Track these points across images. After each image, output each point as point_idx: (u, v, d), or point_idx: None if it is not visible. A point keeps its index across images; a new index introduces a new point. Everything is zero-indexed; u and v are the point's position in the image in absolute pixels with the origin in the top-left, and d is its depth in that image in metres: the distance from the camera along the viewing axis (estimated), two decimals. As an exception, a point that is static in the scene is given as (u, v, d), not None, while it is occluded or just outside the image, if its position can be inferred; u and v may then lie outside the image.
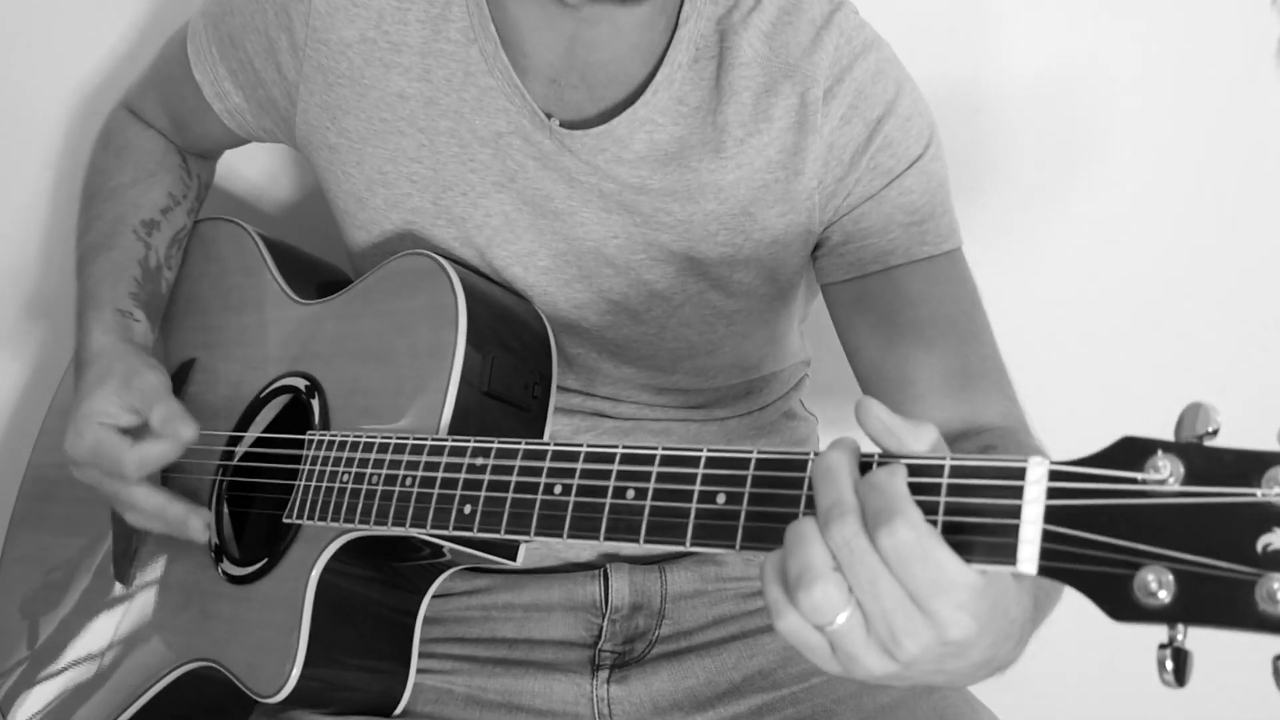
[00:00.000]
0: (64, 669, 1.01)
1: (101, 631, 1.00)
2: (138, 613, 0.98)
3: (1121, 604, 0.52)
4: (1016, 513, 0.55)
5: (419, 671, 0.92)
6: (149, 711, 0.94)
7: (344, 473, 0.85)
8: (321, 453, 0.87)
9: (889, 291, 0.91)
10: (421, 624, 0.92)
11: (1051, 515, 0.54)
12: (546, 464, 0.73)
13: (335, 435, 0.87)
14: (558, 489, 0.72)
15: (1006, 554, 0.55)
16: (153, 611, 0.97)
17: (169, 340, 1.06)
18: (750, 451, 0.64)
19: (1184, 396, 0.55)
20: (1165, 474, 0.52)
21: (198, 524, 0.91)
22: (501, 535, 0.74)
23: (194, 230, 1.10)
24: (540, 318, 0.94)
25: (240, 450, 0.97)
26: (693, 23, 0.90)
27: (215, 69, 1.02)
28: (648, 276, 0.93)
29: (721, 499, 0.64)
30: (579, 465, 0.71)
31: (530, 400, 0.89)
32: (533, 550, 0.93)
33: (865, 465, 0.59)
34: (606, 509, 0.69)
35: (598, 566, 0.97)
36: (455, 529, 0.77)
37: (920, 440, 0.59)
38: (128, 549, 1.00)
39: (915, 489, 0.57)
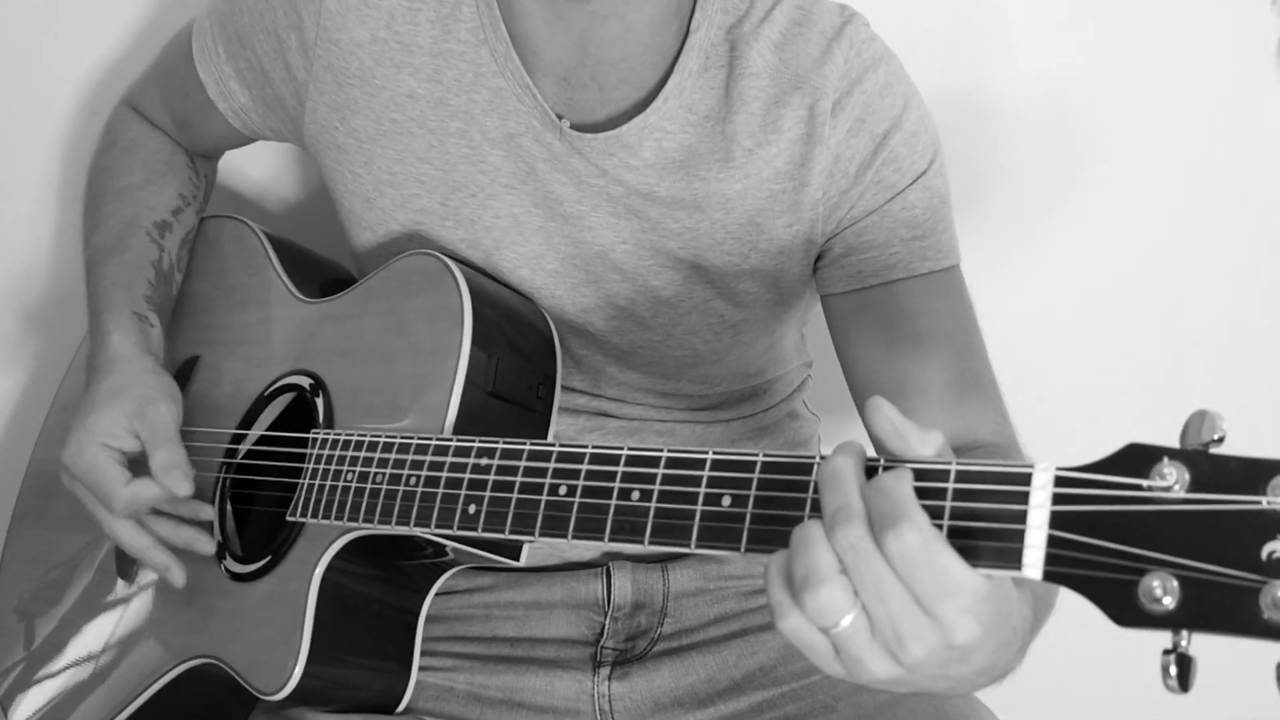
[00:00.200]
0: (65, 665, 1.01)
1: (103, 628, 1.00)
2: (140, 610, 0.98)
3: (1126, 610, 0.52)
4: (1022, 518, 0.55)
5: (420, 669, 0.93)
6: (150, 709, 0.94)
7: (348, 471, 0.85)
8: (326, 451, 0.87)
9: (888, 304, 0.92)
10: (424, 622, 0.93)
11: (1057, 521, 0.55)
12: (552, 465, 0.73)
13: (340, 434, 0.87)
14: (563, 490, 0.72)
15: (1012, 559, 0.55)
16: (155, 608, 0.97)
17: (174, 337, 1.06)
18: (756, 454, 0.64)
19: (1189, 404, 0.55)
20: (1171, 481, 0.52)
21: (179, 576, 0.92)
22: (506, 535, 0.74)
23: (200, 228, 1.10)
24: (545, 319, 0.94)
25: (244, 448, 0.97)
26: (703, 31, 0.91)
27: (220, 68, 1.02)
28: (655, 283, 0.94)
29: (727, 501, 0.65)
30: (584, 466, 0.71)
31: (535, 401, 0.89)
32: (535, 549, 0.94)
33: (871, 470, 0.60)
34: (611, 510, 0.69)
35: (600, 565, 0.98)
36: (459, 529, 0.77)
37: (927, 445, 0.59)
38: (130, 546, 1.00)
39: (921, 493, 0.57)
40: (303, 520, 0.87)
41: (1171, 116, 1.22)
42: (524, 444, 0.75)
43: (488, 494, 0.76)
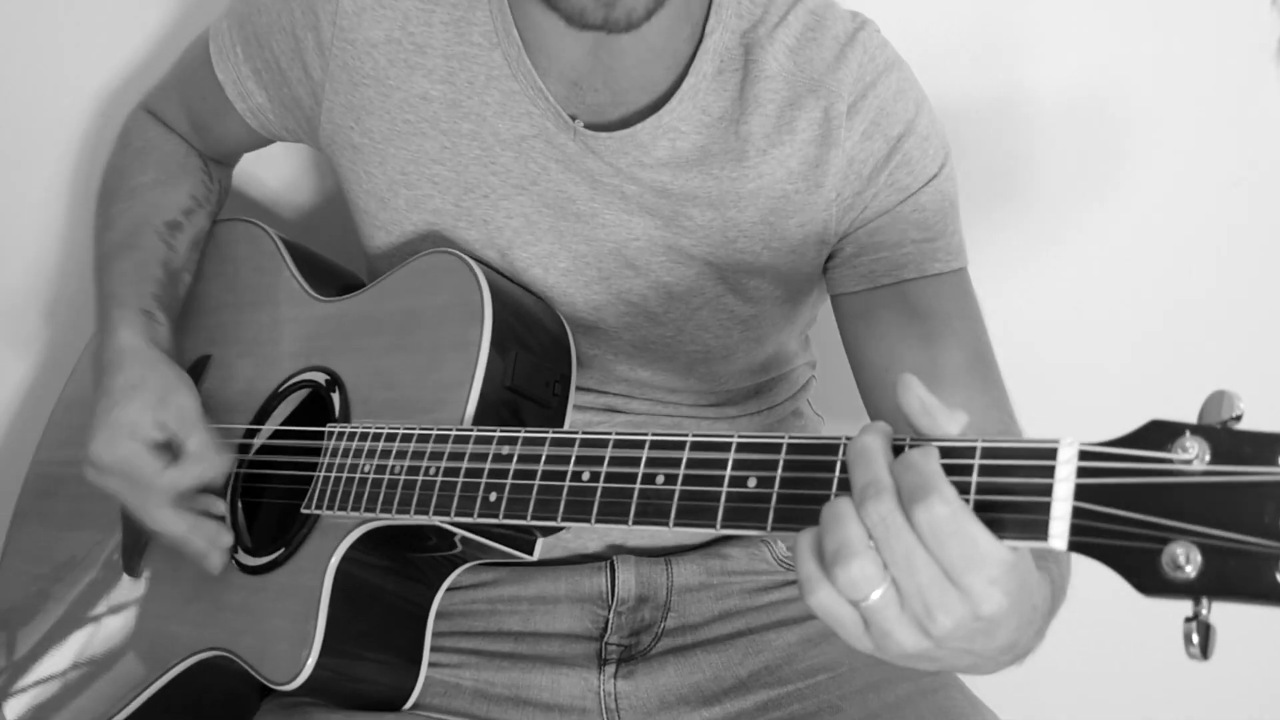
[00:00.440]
0: (68, 660, 1.01)
1: (111, 623, 1.00)
2: (147, 604, 0.98)
3: (1150, 578, 0.54)
4: (1048, 490, 0.57)
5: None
6: (159, 701, 0.94)
7: (365, 463, 0.85)
8: (343, 444, 0.88)
9: (899, 303, 0.94)
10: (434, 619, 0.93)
11: (1082, 493, 0.56)
12: (575, 451, 0.74)
13: (357, 427, 0.88)
14: (585, 475, 0.73)
15: (1038, 530, 0.57)
16: (163, 603, 0.97)
17: (185, 336, 1.06)
18: (782, 437, 0.66)
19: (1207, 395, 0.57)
20: (1192, 455, 0.54)
21: (217, 560, 0.92)
22: (528, 521, 0.75)
23: (212, 230, 1.11)
24: (560, 320, 0.96)
25: (257, 443, 0.97)
26: (718, 35, 0.93)
27: (239, 69, 1.03)
28: (667, 279, 0.95)
29: (753, 482, 0.66)
30: (608, 452, 0.72)
31: (551, 398, 0.91)
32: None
33: (897, 449, 0.61)
34: (636, 494, 0.70)
35: (604, 558, 0.98)
36: (480, 516, 0.77)
37: (954, 424, 0.61)
38: (138, 541, 1.01)
39: (948, 469, 0.58)
40: (318, 512, 0.87)
41: (1179, 117, 1.23)
42: (546, 432, 0.76)
43: (509, 481, 0.77)
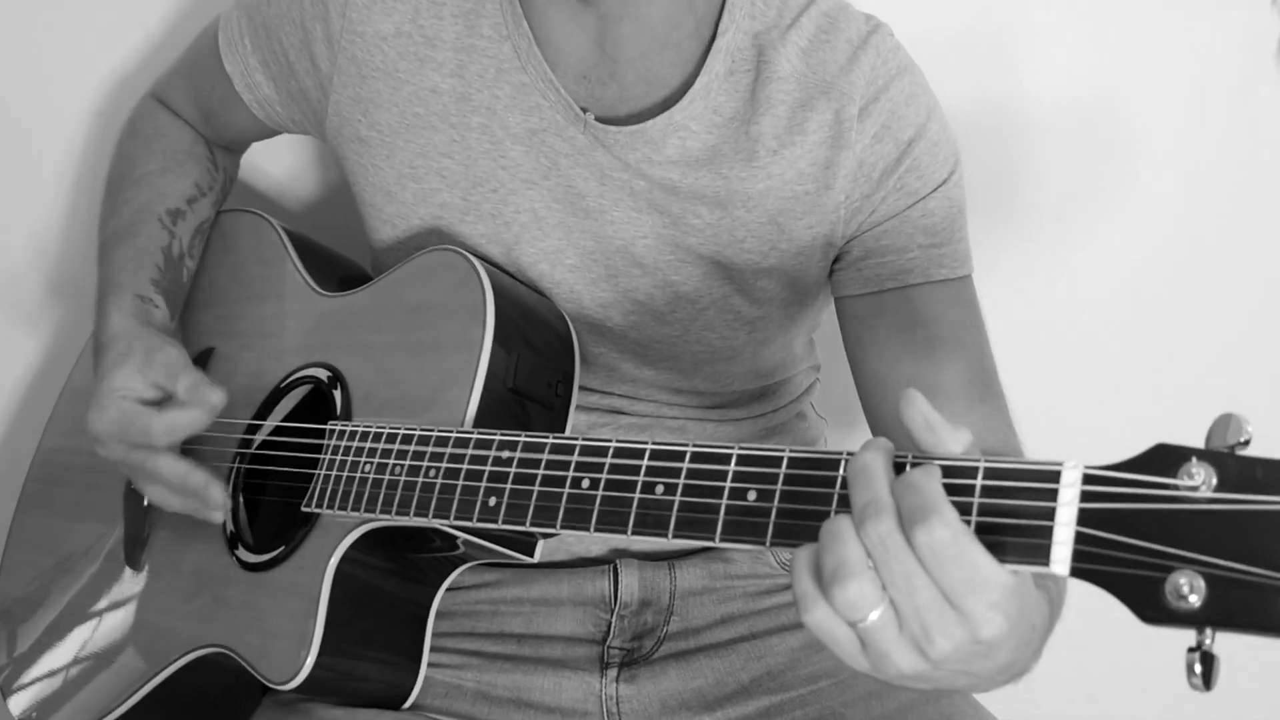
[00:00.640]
0: (70, 653, 1.01)
1: (111, 616, 1.00)
2: (148, 598, 0.98)
3: (1152, 607, 0.53)
4: (1050, 514, 0.56)
5: (429, 666, 0.93)
6: (157, 696, 0.94)
7: (366, 463, 0.85)
8: (343, 443, 0.87)
9: (904, 308, 0.93)
10: (434, 618, 0.93)
11: (1085, 518, 0.55)
12: (575, 458, 0.73)
13: (358, 426, 0.87)
14: (585, 483, 0.73)
15: (1040, 555, 0.56)
16: (164, 597, 0.97)
17: (188, 328, 1.06)
18: (783, 450, 0.65)
19: (1214, 413, 0.56)
20: (1198, 481, 0.53)
21: (217, 493, 0.90)
22: (527, 527, 0.75)
23: (216, 220, 1.10)
24: (563, 318, 0.95)
25: (258, 439, 0.97)
26: (730, 35, 0.92)
27: (247, 60, 1.02)
28: (674, 278, 0.94)
29: (752, 496, 0.65)
30: (608, 460, 0.72)
31: (554, 399, 0.90)
32: (543, 543, 0.94)
33: (899, 466, 0.60)
34: (635, 504, 0.70)
35: (607, 562, 0.98)
36: (479, 521, 0.77)
37: (957, 441, 0.60)
38: (140, 535, 1.00)
39: (949, 489, 0.58)
40: (318, 511, 0.87)
41: (1183, 121, 1.23)
42: (546, 438, 0.76)
43: (509, 486, 0.76)
